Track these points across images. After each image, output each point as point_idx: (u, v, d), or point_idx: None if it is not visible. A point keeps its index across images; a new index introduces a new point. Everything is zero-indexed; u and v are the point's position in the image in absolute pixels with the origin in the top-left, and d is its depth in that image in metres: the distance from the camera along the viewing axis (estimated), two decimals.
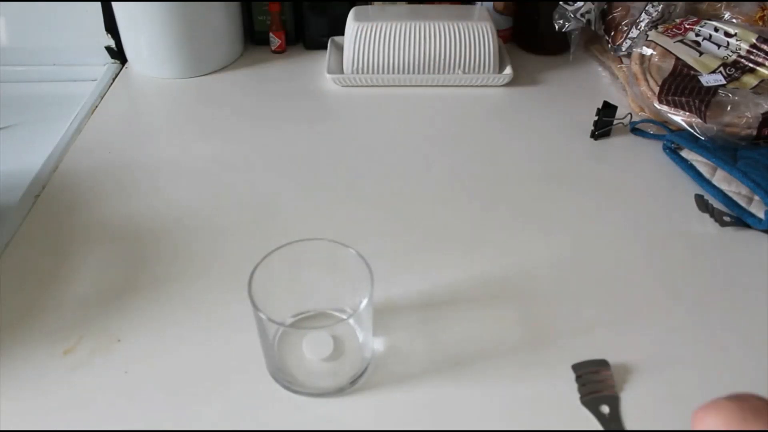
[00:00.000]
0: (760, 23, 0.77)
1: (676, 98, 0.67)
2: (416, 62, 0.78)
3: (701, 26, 0.75)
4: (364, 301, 0.41)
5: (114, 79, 0.82)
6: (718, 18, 0.78)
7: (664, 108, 0.68)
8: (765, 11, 0.77)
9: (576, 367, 0.44)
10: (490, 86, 0.80)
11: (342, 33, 0.82)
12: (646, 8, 0.77)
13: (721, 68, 0.70)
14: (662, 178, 0.64)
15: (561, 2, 0.79)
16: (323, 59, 0.83)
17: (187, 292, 0.51)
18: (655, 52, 0.73)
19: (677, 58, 0.71)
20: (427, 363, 0.45)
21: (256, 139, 0.70)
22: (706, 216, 0.58)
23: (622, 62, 0.79)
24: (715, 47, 0.73)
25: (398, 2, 0.88)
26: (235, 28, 0.85)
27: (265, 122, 0.73)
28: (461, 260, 0.54)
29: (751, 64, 0.70)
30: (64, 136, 0.70)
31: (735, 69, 0.70)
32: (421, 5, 0.86)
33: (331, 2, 0.85)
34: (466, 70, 0.79)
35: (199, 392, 0.43)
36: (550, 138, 0.71)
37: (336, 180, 0.64)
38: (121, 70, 0.84)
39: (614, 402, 0.42)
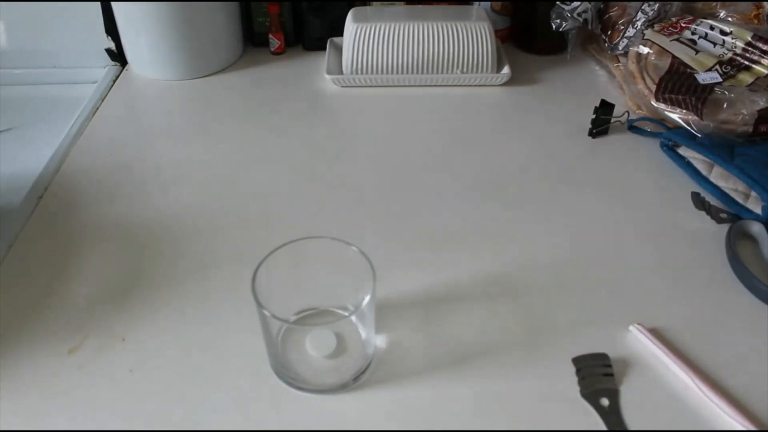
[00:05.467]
0: (755, 21, 0.77)
1: (673, 96, 0.68)
2: (415, 62, 0.79)
3: (697, 25, 0.75)
4: (367, 298, 0.42)
5: (114, 82, 0.82)
6: (714, 17, 0.79)
7: (661, 106, 0.68)
8: (760, 10, 0.78)
9: (576, 361, 0.45)
10: (489, 86, 0.81)
11: (341, 34, 0.82)
12: (643, 7, 0.78)
13: (717, 66, 0.71)
14: (660, 175, 0.65)
15: (558, 2, 0.80)
16: (322, 60, 0.84)
17: (190, 291, 0.51)
18: (651, 51, 0.73)
19: (674, 57, 0.72)
20: (429, 359, 0.46)
21: (256, 139, 0.71)
22: (704, 212, 0.59)
23: (619, 61, 0.79)
24: (711, 45, 0.73)
25: (396, 3, 0.88)
26: (235, 29, 0.86)
27: (265, 123, 0.74)
28: (461, 257, 0.54)
29: (746, 62, 0.71)
30: (66, 138, 0.71)
31: (731, 67, 0.71)
32: (419, 6, 0.86)
33: (330, 3, 0.85)
34: (465, 70, 0.79)
35: (203, 390, 0.44)
36: (548, 136, 0.71)
37: (336, 179, 0.64)
38: (121, 72, 0.85)
39: (614, 395, 0.43)
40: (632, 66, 0.74)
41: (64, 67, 0.86)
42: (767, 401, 0.43)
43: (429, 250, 0.56)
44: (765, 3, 0.78)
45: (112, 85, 0.82)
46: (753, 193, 0.59)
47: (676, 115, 0.67)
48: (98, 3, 0.81)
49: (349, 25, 0.79)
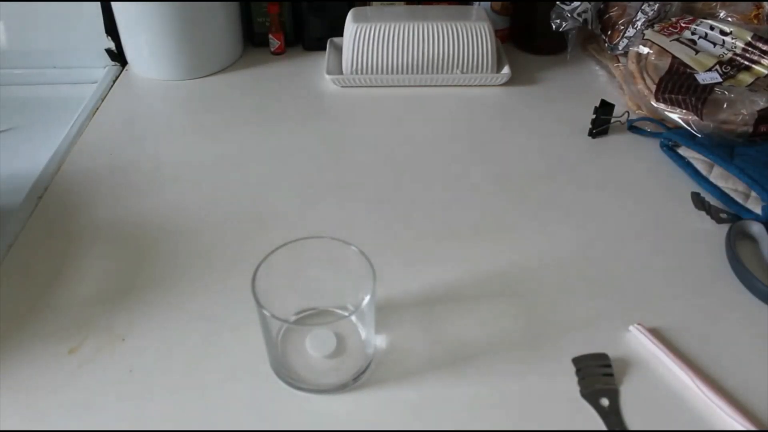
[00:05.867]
0: (755, 22, 0.77)
1: (673, 96, 0.68)
2: (415, 62, 0.79)
3: (697, 25, 0.75)
4: (367, 298, 0.42)
5: (114, 82, 0.82)
6: (714, 17, 0.79)
7: (661, 106, 0.68)
8: (760, 10, 0.78)
9: (576, 361, 0.45)
10: (489, 86, 0.81)
11: (341, 34, 0.82)
12: (642, 7, 0.78)
13: (717, 66, 0.71)
14: (660, 175, 0.65)
15: (558, 2, 0.80)
16: (322, 60, 0.84)
17: (190, 291, 0.51)
18: (651, 51, 0.73)
19: (673, 57, 0.72)
20: (429, 359, 0.46)
21: (256, 139, 0.71)
22: (704, 212, 0.59)
23: (619, 61, 0.79)
24: (711, 45, 0.73)
25: (396, 3, 0.88)
26: (235, 29, 0.86)
27: (265, 123, 0.74)
28: (461, 257, 0.54)
29: (746, 62, 0.71)
30: (66, 139, 0.71)
31: (731, 67, 0.71)
32: (419, 6, 0.86)
33: (330, 3, 0.85)
34: (465, 70, 0.79)
35: (203, 390, 0.44)
36: (548, 136, 0.71)
37: (336, 179, 0.64)
38: (121, 72, 0.85)
39: (614, 395, 0.43)
40: (632, 66, 0.74)
41: (64, 68, 0.86)
42: (767, 401, 0.43)
43: (429, 249, 0.56)
44: (765, 3, 0.78)
45: (112, 85, 0.82)
46: (753, 193, 0.59)
47: (676, 115, 0.67)
48: (98, 3, 0.81)
49: (349, 25, 0.79)
